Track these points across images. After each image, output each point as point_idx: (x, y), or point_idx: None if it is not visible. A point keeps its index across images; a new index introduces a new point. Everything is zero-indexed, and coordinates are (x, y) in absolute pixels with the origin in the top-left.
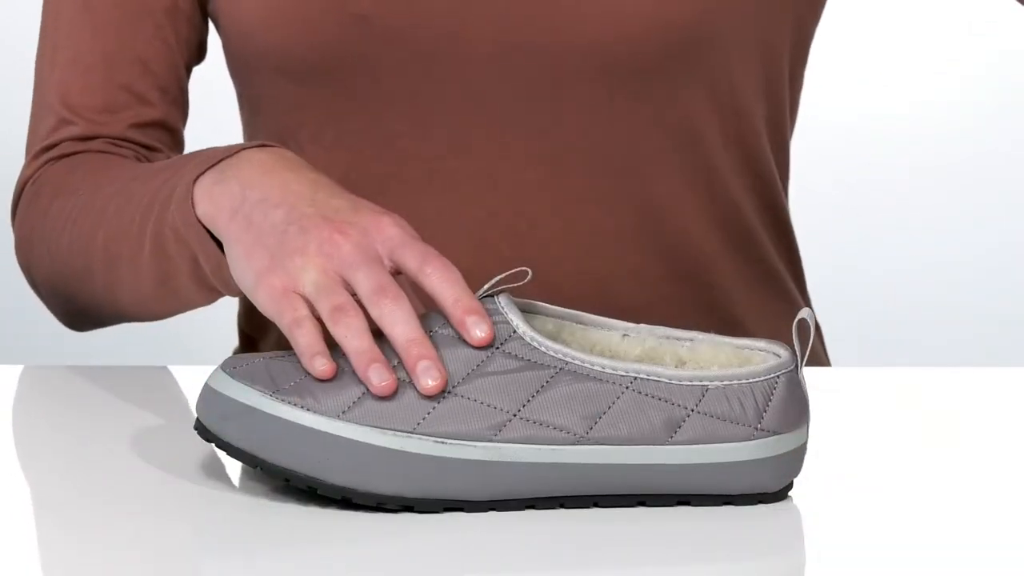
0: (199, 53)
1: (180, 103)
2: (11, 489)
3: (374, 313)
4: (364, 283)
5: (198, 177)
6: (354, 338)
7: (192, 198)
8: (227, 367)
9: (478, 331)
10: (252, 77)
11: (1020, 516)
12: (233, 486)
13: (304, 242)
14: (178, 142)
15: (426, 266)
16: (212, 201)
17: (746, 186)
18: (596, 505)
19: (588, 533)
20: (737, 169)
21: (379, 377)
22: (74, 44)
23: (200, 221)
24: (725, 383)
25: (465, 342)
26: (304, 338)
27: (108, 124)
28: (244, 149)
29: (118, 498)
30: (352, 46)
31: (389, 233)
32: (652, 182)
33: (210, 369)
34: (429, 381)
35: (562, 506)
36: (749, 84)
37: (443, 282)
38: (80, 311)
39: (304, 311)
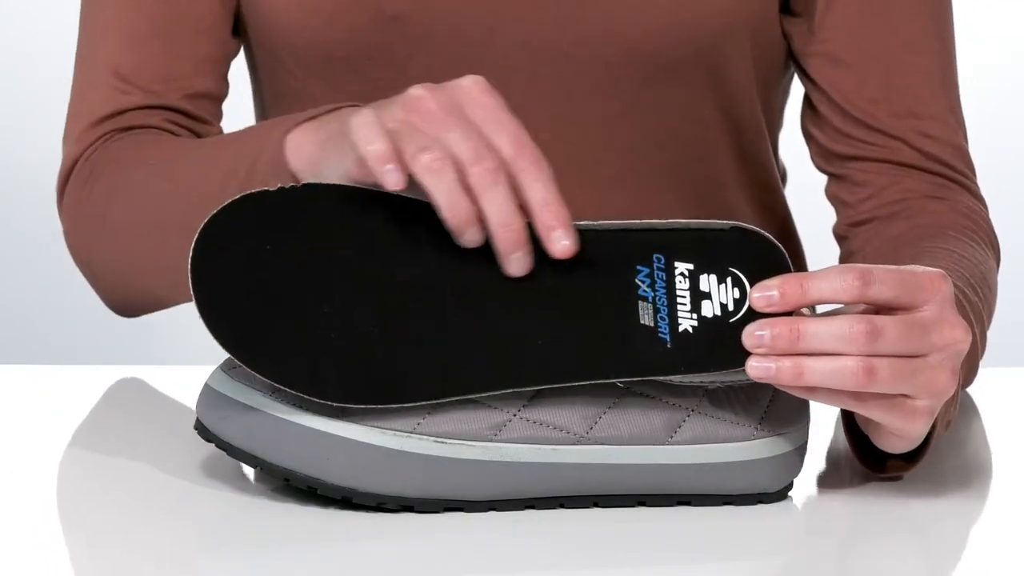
0: (235, 30)
1: (224, 77)
2: (11, 489)
3: (479, 175)
4: (461, 146)
5: (288, 132)
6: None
7: (284, 151)
8: (227, 367)
9: (559, 245)
10: (277, 72)
11: (1018, 516)
12: (233, 486)
13: (390, 105)
14: (220, 116)
15: (519, 158)
16: (300, 148)
17: (748, 197)
18: (596, 505)
19: (588, 533)
20: (741, 180)
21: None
22: (125, 17)
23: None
24: (725, 383)
25: None
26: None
27: (164, 94)
28: (336, 108)
29: (118, 498)
30: (383, 44)
31: (482, 101)
32: (660, 195)
33: (210, 369)
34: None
35: (562, 506)
36: (749, 90)
37: (534, 180)
38: (140, 289)
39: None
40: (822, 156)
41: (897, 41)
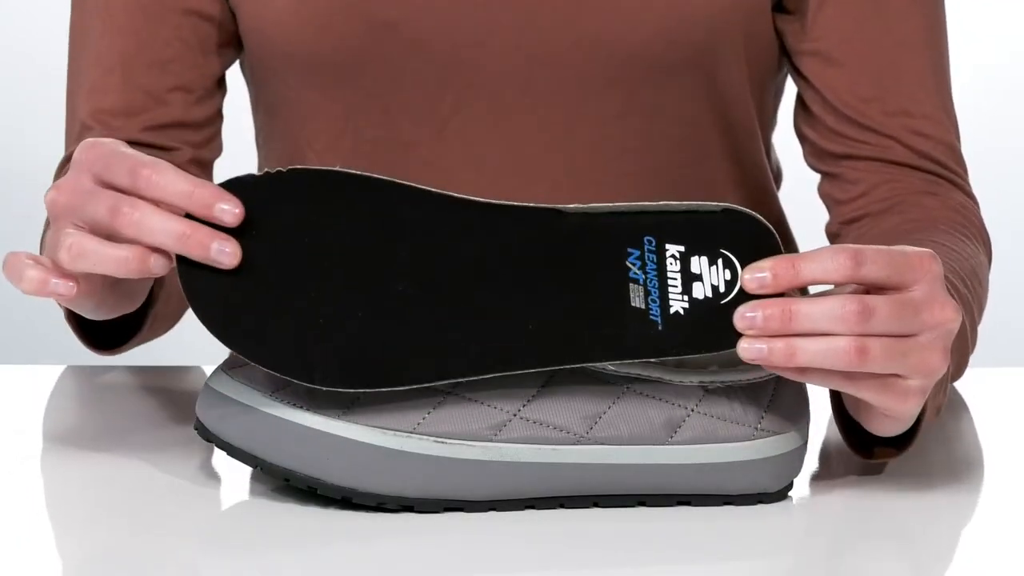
0: (233, 48)
1: (208, 100)
2: (10, 488)
3: (123, 222)
4: (99, 212)
5: None
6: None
7: None
8: (227, 367)
9: (229, 215)
10: (272, 81)
11: (1017, 515)
12: (233, 486)
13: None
14: (210, 137)
15: (138, 179)
16: None
17: (742, 198)
18: (596, 505)
19: (588, 533)
20: (735, 181)
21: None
22: (96, 48)
23: None
24: (725, 383)
25: None
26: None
27: (123, 128)
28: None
29: (118, 498)
30: (377, 52)
31: (87, 157)
32: (654, 197)
33: (210, 369)
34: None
35: (562, 506)
36: (743, 91)
37: (166, 184)
38: None
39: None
40: (815, 155)
41: (890, 40)
